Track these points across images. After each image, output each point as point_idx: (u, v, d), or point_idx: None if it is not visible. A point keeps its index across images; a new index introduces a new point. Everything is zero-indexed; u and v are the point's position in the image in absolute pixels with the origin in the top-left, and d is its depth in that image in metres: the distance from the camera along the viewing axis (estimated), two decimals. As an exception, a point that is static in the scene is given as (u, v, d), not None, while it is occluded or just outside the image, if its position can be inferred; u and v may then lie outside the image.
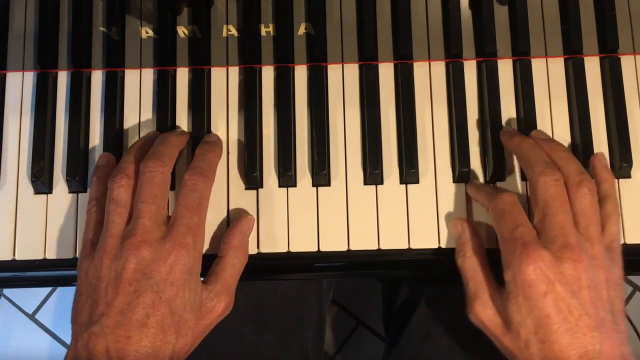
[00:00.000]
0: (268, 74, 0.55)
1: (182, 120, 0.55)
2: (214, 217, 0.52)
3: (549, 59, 0.55)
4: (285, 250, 0.53)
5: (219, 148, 0.53)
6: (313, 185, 0.54)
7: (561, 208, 0.45)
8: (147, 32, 0.56)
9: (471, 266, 0.48)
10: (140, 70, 0.56)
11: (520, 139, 0.51)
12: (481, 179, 0.53)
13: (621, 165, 0.52)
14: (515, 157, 0.53)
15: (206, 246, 0.52)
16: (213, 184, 0.51)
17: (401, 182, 0.53)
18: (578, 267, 0.43)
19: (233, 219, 0.52)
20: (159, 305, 0.44)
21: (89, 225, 0.49)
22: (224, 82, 0.55)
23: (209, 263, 0.50)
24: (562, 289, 0.42)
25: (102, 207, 0.49)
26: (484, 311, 0.46)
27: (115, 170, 0.49)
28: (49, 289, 1.36)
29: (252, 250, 0.52)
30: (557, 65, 0.55)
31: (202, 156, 0.51)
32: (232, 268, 0.49)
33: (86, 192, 0.54)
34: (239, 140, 0.54)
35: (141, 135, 0.55)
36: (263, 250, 0.53)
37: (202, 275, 0.49)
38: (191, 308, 0.46)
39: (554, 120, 0.54)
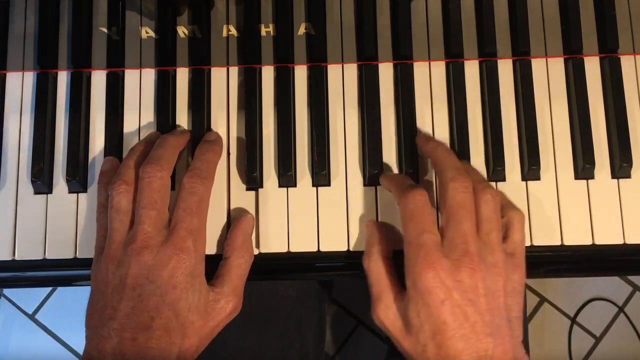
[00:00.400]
0: (268, 74, 0.55)
1: (182, 120, 0.55)
2: (214, 218, 0.52)
3: (549, 59, 0.55)
4: (285, 250, 0.53)
5: (219, 146, 0.53)
6: (313, 185, 0.54)
7: (467, 216, 0.46)
8: (147, 32, 0.56)
9: (376, 269, 0.49)
10: (140, 70, 0.56)
11: (435, 144, 0.52)
12: (481, 179, 0.53)
13: (621, 165, 0.52)
14: (508, 157, 0.53)
15: (208, 247, 0.52)
16: (213, 184, 0.51)
17: (401, 182, 0.53)
18: (475, 276, 0.44)
19: (234, 219, 0.52)
20: (162, 308, 0.45)
21: (98, 232, 0.50)
22: (224, 82, 0.55)
23: (212, 264, 0.50)
24: (459, 297, 0.43)
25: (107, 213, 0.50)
26: (386, 314, 0.47)
27: (114, 176, 0.49)
28: (49, 289, 1.36)
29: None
30: (557, 65, 0.55)
31: (201, 157, 0.51)
32: (237, 268, 0.49)
33: (86, 192, 0.54)
34: (239, 141, 0.54)
35: (141, 136, 0.55)
36: (263, 250, 0.53)
37: (208, 277, 0.49)
38: (196, 310, 0.46)
39: (554, 120, 0.54)
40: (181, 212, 0.47)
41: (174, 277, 0.45)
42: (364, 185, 0.54)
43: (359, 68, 0.55)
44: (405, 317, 0.46)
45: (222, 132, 0.54)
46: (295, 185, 0.53)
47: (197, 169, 0.49)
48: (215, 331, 0.49)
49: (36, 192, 0.54)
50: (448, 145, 0.54)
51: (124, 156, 0.54)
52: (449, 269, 0.44)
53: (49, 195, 0.54)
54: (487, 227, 0.46)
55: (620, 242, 0.52)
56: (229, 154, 0.54)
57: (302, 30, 0.56)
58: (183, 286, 0.45)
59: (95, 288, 0.48)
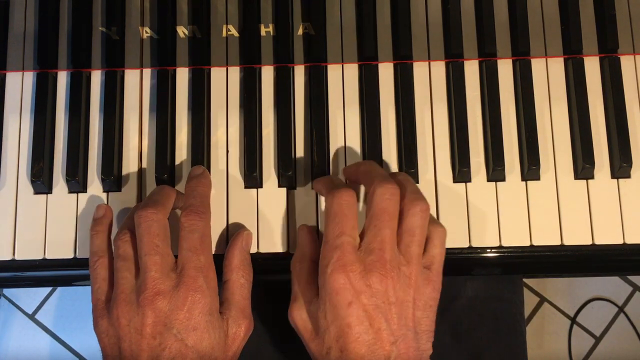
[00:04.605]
0: (268, 74, 0.55)
1: (182, 120, 0.55)
2: (214, 219, 0.52)
3: (549, 59, 0.55)
4: (285, 250, 0.53)
5: (207, 180, 0.52)
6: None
7: (388, 223, 0.45)
8: (147, 32, 0.56)
9: (298, 271, 0.49)
10: (141, 70, 0.56)
11: (357, 163, 0.52)
12: (482, 179, 0.53)
13: (621, 165, 0.52)
14: (508, 157, 0.53)
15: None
16: (210, 217, 0.50)
17: (401, 182, 0.53)
18: (385, 282, 0.43)
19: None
20: (186, 353, 0.44)
21: (94, 284, 0.49)
22: (224, 82, 0.55)
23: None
24: (367, 301, 0.43)
25: (105, 263, 0.49)
26: (299, 314, 0.47)
27: (120, 227, 0.49)
28: (49, 289, 1.36)
29: (252, 249, 0.52)
30: (557, 65, 0.55)
31: (193, 193, 0.50)
32: (240, 289, 0.49)
33: (86, 192, 0.54)
34: (238, 140, 0.54)
35: (141, 135, 0.54)
36: (262, 250, 0.53)
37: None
38: (218, 345, 0.46)
39: (553, 120, 0.54)
40: (186, 252, 0.46)
41: (192, 319, 0.45)
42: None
43: (359, 68, 0.55)
44: (315, 318, 0.46)
45: (222, 132, 0.54)
46: (294, 187, 0.53)
47: (193, 206, 0.48)
48: (236, 356, 0.48)
49: (36, 192, 0.54)
50: (448, 145, 0.54)
51: (124, 156, 0.54)
52: (360, 272, 0.44)
53: (48, 195, 0.54)
54: (408, 239, 0.46)
55: (620, 242, 0.52)
56: (228, 153, 0.54)
57: (301, 30, 0.56)
58: (203, 326, 0.45)
59: (108, 344, 0.46)
